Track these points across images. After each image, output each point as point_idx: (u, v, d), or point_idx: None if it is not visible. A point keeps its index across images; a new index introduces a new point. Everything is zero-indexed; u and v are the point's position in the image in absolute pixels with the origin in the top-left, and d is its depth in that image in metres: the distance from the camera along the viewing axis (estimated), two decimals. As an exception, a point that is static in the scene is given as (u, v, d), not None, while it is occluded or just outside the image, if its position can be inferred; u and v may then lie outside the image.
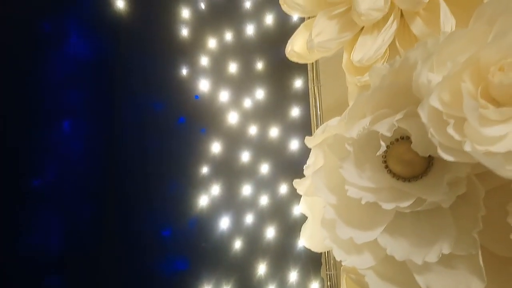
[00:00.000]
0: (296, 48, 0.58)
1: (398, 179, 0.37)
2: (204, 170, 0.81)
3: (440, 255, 0.32)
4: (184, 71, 0.87)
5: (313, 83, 0.72)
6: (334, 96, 0.71)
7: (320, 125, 0.75)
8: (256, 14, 0.84)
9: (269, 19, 0.84)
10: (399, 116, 0.35)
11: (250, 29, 0.86)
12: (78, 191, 0.83)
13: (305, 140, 0.45)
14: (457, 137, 0.29)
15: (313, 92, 0.71)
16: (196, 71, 0.87)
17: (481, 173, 0.32)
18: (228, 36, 0.87)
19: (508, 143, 0.28)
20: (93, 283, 0.76)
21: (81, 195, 0.83)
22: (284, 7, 0.58)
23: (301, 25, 0.59)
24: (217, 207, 0.76)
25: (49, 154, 0.85)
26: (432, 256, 0.32)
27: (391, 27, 0.48)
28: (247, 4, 0.86)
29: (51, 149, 0.86)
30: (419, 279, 0.33)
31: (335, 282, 0.52)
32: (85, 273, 0.78)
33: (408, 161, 0.36)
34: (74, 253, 0.79)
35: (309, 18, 0.59)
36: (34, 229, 0.81)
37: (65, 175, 0.84)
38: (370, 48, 0.48)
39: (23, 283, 0.77)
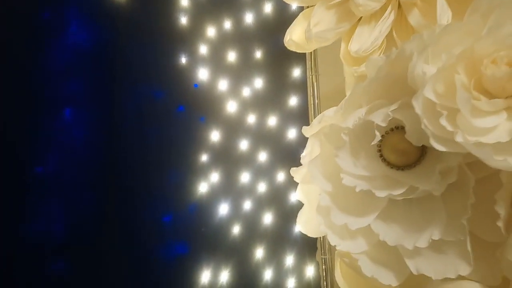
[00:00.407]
0: (295, 37, 0.58)
1: (392, 167, 0.38)
2: (204, 157, 0.82)
3: (430, 241, 0.33)
4: (183, 60, 0.87)
5: (311, 72, 0.73)
6: (332, 85, 0.72)
7: (318, 114, 0.76)
8: (255, 2, 0.83)
9: (268, 7, 0.84)
10: (394, 106, 0.36)
11: (249, 18, 0.85)
12: (80, 178, 0.83)
13: (302, 130, 0.45)
14: (449, 127, 0.30)
15: (311, 81, 0.71)
16: (195, 60, 0.87)
17: (471, 162, 0.33)
18: (227, 24, 0.87)
19: (498, 134, 0.29)
20: (96, 268, 0.77)
21: (83, 182, 0.84)
22: (283, -4, 0.58)
23: (300, 15, 0.59)
24: (216, 194, 0.77)
25: (50, 142, 0.86)
26: (422, 242, 0.33)
27: (389, 17, 0.48)
28: (247, -7, 0.86)
29: (52, 138, 0.86)
30: (409, 263, 0.34)
31: (330, 265, 0.53)
32: (88, 258, 0.79)
33: (402, 150, 0.37)
34: (77, 239, 0.80)
35: (307, 7, 0.58)
36: (38, 215, 0.82)
37: (67, 162, 0.85)
38: (367, 38, 0.48)
39: (28, 268, 0.79)
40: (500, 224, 0.30)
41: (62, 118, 0.88)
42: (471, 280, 0.33)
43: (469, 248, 0.32)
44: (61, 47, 0.91)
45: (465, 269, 0.32)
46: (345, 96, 0.54)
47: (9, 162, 0.83)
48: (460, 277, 0.32)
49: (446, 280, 0.33)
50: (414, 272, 0.34)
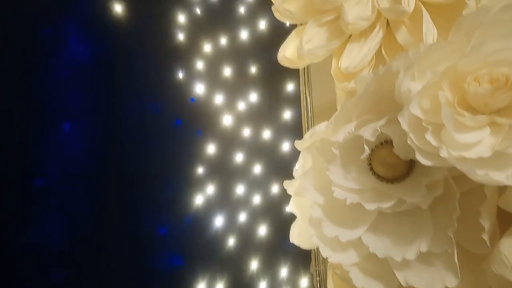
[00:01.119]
0: (288, 54, 0.58)
1: (381, 180, 0.38)
2: (200, 170, 0.82)
3: (418, 253, 0.33)
4: (180, 75, 0.88)
5: (305, 87, 0.73)
6: (324, 99, 0.72)
7: (311, 127, 0.77)
8: (250, 20, 0.85)
9: (262, 25, 0.85)
10: (382, 122, 0.36)
11: (244, 35, 0.87)
12: (79, 190, 0.83)
13: (294, 143, 0.46)
14: (434, 142, 0.30)
15: (304, 95, 0.72)
16: (192, 75, 0.88)
17: (456, 176, 0.33)
18: (223, 41, 0.88)
19: (480, 149, 0.29)
20: (94, 277, 0.77)
21: (82, 194, 0.83)
22: (276, 14, 0.59)
23: (293, 32, 0.60)
24: (212, 206, 0.77)
25: (50, 154, 0.86)
26: (411, 254, 0.33)
27: (377, 35, 0.49)
28: (241, 10, 0.87)
29: (52, 150, 0.86)
30: (398, 274, 0.34)
31: (324, 277, 0.53)
32: (86, 267, 0.78)
33: (391, 164, 0.37)
34: (75, 250, 0.80)
35: (300, 24, 0.59)
36: (38, 226, 0.81)
37: (66, 174, 0.85)
38: (357, 55, 0.49)
39: (28, 277, 0.78)
40: (485, 236, 0.31)
41: (62, 130, 0.88)
42: (458, 291, 0.33)
43: (456, 260, 0.32)
44: (61, 61, 0.92)
45: (452, 281, 0.32)
46: (337, 110, 0.55)
47: (9, 174, 0.83)
48: (447, 289, 0.33)
49: (434, 291, 0.33)
50: (403, 284, 0.34)
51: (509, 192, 0.31)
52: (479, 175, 0.28)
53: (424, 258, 0.34)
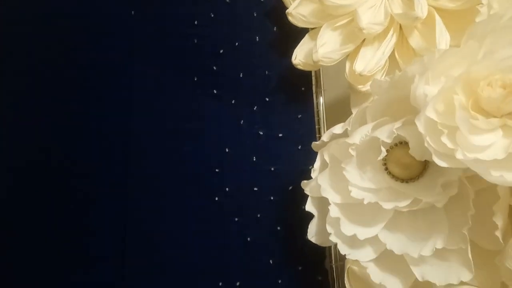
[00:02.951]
0: (301, 57, 0.60)
1: (396, 180, 0.40)
2: (216, 170, 0.84)
3: (434, 249, 0.35)
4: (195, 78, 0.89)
5: (316, 89, 0.75)
6: (335, 99, 0.74)
7: (324, 128, 0.78)
8: (263, 22, 0.86)
9: (275, 27, 0.87)
10: (398, 124, 0.38)
11: (257, 37, 0.88)
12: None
13: (311, 145, 0.48)
14: (450, 145, 0.32)
15: (316, 97, 0.74)
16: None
17: (470, 176, 0.35)
18: (236, 43, 0.90)
19: (494, 152, 0.31)
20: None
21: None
22: (290, 18, 0.60)
23: (306, 35, 0.61)
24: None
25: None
26: (427, 250, 0.35)
27: (391, 40, 0.50)
28: (254, 13, 0.89)
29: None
30: (415, 270, 0.36)
31: (338, 273, 0.55)
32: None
33: (406, 164, 0.39)
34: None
35: (313, 28, 0.61)
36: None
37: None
38: (371, 59, 0.50)
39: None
40: (498, 233, 0.32)
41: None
42: (472, 285, 0.34)
43: (470, 256, 0.34)
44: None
45: (466, 276, 0.34)
46: (348, 109, 0.57)
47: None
48: (462, 283, 0.34)
49: (449, 286, 0.35)
50: (420, 279, 0.36)
51: (521, 191, 0.32)
52: (494, 176, 0.30)
53: (439, 254, 0.35)
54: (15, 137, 0.72)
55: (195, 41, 0.87)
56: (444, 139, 0.32)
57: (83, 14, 0.73)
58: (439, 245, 0.35)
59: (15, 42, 0.80)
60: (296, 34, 0.63)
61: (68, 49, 0.74)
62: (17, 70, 0.77)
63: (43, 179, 0.68)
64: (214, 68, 0.85)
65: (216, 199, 0.63)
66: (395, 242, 0.37)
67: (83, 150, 0.67)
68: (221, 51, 0.86)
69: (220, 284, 0.66)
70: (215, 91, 0.78)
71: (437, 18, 0.45)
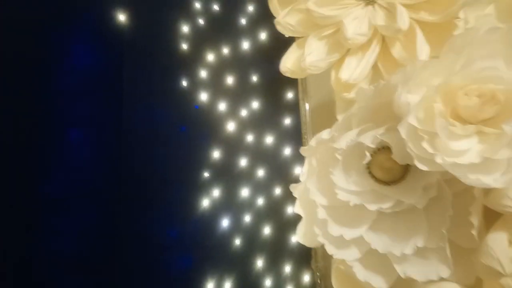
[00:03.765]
0: (289, 65, 0.61)
1: (380, 183, 0.42)
2: (205, 174, 0.85)
3: (415, 248, 0.36)
4: (185, 83, 0.90)
5: (303, 95, 0.77)
6: (321, 106, 0.76)
7: (310, 132, 0.80)
8: (252, 31, 0.88)
9: (263, 35, 0.89)
10: (381, 130, 0.40)
11: (246, 45, 0.90)
12: (88, 196, 0.85)
13: (300, 150, 0.49)
14: (430, 150, 0.34)
15: (303, 103, 0.75)
16: (195, 83, 0.90)
17: (449, 179, 0.36)
18: (225, 50, 0.91)
19: (470, 156, 0.32)
20: (106, 281, 0.78)
21: (91, 199, 0.85)
22: (278, 27, 0.61)
23: (294, 44, 0.62)
24: (218, 208, 0.79)
25: (58, 160, 0.87)
26: (408, 249, 0.37)
27: (374, 50, 0.52)
28: (243, 21, 0.90)
29: (60, 156, 0.88)
30: (398, 268, 0.38)
31: (323, 272, 0.56)
32: (97, 272, 0.79)
33: (389, 168, 0.41)
34: (86, 255, 0.81)
35: (301, 37, 0.62)
36: (47, 233, 0.82)
37: (75, 180, 0.86)
38: (355, 68, 0.52)
39: (39, 283, 0.79)
40: (474, 232, 0.34)
41: (69, 137, 0.89)
42: (450, 281, 0.36)
43: (448, 254, 0.36)
44: (65, 70, 0.93)
45: (445, 272, 0.36)
46: (333, 115, 0.58)
47: (17, 182, 0.84)
48: (441, 279, 0.36)
49: (429, 282, 0.37)
50: (402, 276, 0.37)
51: (494, 193, 0.34)
52: (471, 179, 0.32)
53: (420, 253, 0.37)
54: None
55: (184, 47, 0.89)
56: (425, 144, 0.34)
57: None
58: (420, 244, 0.36)
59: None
60: (283, 42, 0.64)
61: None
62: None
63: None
64: (202, 73, 0.87)
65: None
66: (379, 242, 0.39)
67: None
68: (210, 57, 0.87)
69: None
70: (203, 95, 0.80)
71: (418, 30, 0.47)
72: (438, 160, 0.33)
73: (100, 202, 0.85)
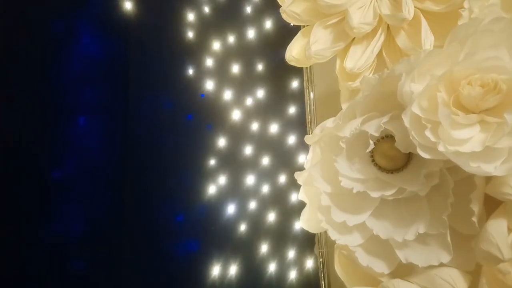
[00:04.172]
0: (295, 53, 0.61)
1: (382, 171, 0.42)
2: (212, 162, 0.85)
3: (417, 234, 0.37)
4: (191, 72, 0.91)
5: (308, 83, 0.77)
6: (326, 94, 0.76)
7: (314, 121, 0.80)
8: (257, 19, 0.87)
9: (268, 24, 0.88)
10: (385, 118, 0.40)
11: (251, 33, 0.89)
12: (97, 182, 0.86)
13: (304, 138, 0.49)
14: (433, 138, 0.34)
15: (308, 92, 0.76)
16: (202, 72, 0.90)
17: (450, 167, 0.37)
18: (231, 39, 0.91)
19: (472, 144, 0.33)
20: (115, 265, 0.80)
21: (100, 186, 0.86)
22: (284, 16, 0.61)
23: (299, 32, 0.62)
24: (224, 195, 0.80)
25: (67, 148, 0.89)
26: (410, 235, 0.37)
27: (379, 39, 0.52)
28: (249, 10, 0.90)
29: (69, 144, 0.89)
30: (399, 253, 0.38)
31: (327, 258, 0.57)
32: (107, 256, 0.82)
33: (392, 156, 0.41)
34: (96, 238, 0.83)
35: (306, 25, 0.62)
36: (57, 217, 0.84)
37: (84, 167, 0.87)
38: (360, 57, 0.52)
39: (50, 266, 0.81)
40: (474, 219, 0.35)
41: (77, 125, 0.90)
42: (450, 266, 0.37)
43: (449, 240, 0.36)
44: (75, 58, 0.94)
45: (446, 258, 0.36)
46: (338, 104, 0.59)
47: (28, 167, 0.85)
48: (441, 264, 0.37)
49: (430, 267, 0.37)
50: (403, 261, 0.38)
51: (495, 181, 0.35)
52: (472, 167, 0.32)
53: (421, 239, 0.38)
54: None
55: (190, 36, 0.88)
56: (428, 133, 0.34)
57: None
58: (422, 230, 0.37)
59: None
60: (289, 31, 0.64)
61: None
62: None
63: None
64: (208, 63, 0.87)
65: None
66: (381, 228, 0.39)
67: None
68: (216, 46, 0.88)
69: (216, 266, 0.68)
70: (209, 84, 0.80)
71: (423, 20, 0.47)
72: (441, 148, 0.33)
73: (109, 188, 0.86)
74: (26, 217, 0.83)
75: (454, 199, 0.36)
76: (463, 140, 0.33)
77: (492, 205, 0.36)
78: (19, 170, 0.86)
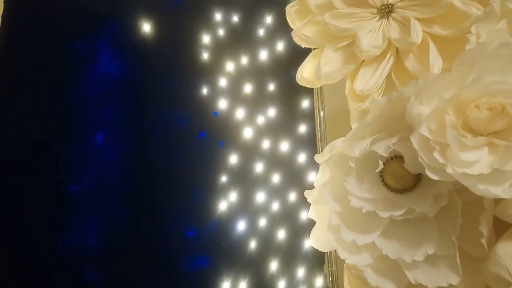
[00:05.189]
0: (305, 75, 0.62)
1: (392, 191, 0.42)
2: (223, 178, 0.86)
3: (426, 255, 0.37)
4: (205, 91, 0.92)
5: (318, 103, 0.78)
6: (336, 115, 0.76)
7: (324, 140, 0.81)
8: (269, 41, 0.89)
9: (280, 46, 0.90)
10: (394, 139, 0.40)
11: (263, 55, 0.91)
12: (112, 197, 0.87)
13: (314, 157, 0.50)
14: (441, 160, 0.34)
15: (318, 111, 0.76)
16: (215, 91, 0.92)
17: (459, 188, 0.37)
18: (244, 60, 0.93)
19: (480, 167, 0.33)
20: (128, 278, 0.80)
21: (114, 200, 0.87)
22: (295, 39, 0.62)
23: (310, 54, 0.63)
24: (235, 212, 0.80)
25: (84, 163, 0.91)
26: (419, 256, 0.37)
27: (388, 62, 0.53)
28: (261, 32, 0.92)
29: (86, 159, 0.91)
30: (408, 274, 0.38)
31: (336, 277, 0.56)
32: (120, 269, 0.82)
33: (401, 177, 0.41)
34: (110, 252, 0.83)
35: (316, 48, 0.63)
36: (73, 230, 0.85)
37: (99, 182, 0.89)
38: (370, 79, 0.53)
39: (66, 278, 0.82)
40: (483, 241, 0.34)
41: (94, 141, 0.92)
42: (460, 288, 0.36)
43: (458, 261, 0.36)
44: (92, 77, 0.97)
45: (455, 279, 0.36)
46: (348, 124, 0.59)
47: (46, 181, 0.87)
48: (451, 286, 0.36)
49: (439, 288, 0.37)
50: (412, 282, 0.38)
51: (504, 203, 0.34)
52: (480, 189, 0.32)
53: (430, 260, 0.37)
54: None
55: (205, 57, 0.90)
56: (436, 154, 0.34)
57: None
58: (430, 251, 0.37)
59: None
60: (300, 53, 0.65)
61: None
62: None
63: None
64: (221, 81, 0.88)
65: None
66: (390, 248, 0.39)
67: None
68: (229, 67, 0.89)
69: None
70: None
71: (431, 44, 0.48)
72: (449, 170, 0.33)
73: (123, 203, 0.87)
74: (41, 230, 0.85)
75: (462, 220, 0.36)
76: (472, 162, 0.33)
77: (501, 228, 0.35)
78: (37, 182, 0.88)
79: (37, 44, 1.00)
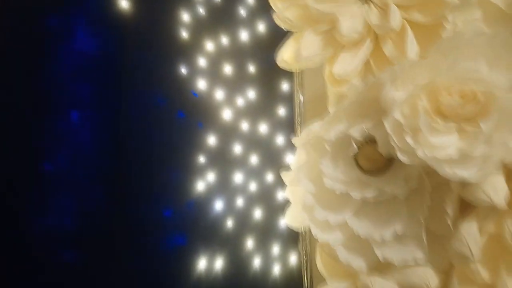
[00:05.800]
0: (286, 57, 0.62)
1: (365, 173, 0.43)
2: (201, 159, 0.86)
3: (395, 234, 0.38)
4: (184, 70, 0.91)
5: (297, 86, 0.78)
6: (315, 98, 0.77)
7: (303, 122, 0.81)
8: (250, 22, 0.88)
9: (261, 27, 0.89)
10: (369, 124, 0.41)
11: (244, 35, 0.90)
12: (88, 176, 0.86)
13: (292, 140, 0.50)
14: (412, 144, 0.35)
15: (297, 95, 0.76)
16: (194, 71, 0.91)
17: (429, 172, 0.38)
18: (224, 40, 0.92)
19: (449, 151, 0.34)
20: (104, 258, 0.80)
21: (90, 180, 0.86)
22: (277, 21, 0.62)
23: (291, 37, 0.63)
24: (212, 192, 0.81)
25: (59, 142, 0.88)
26: (388, 235, 0.38)
27: (368, 47, 0.53)
28: (242, 12, 0.91)
29: (60, 138, 0.88)
30: (377, 252, 0.39)
31: (309, 255, 0.58)
32: (97, 249, 0.81)
33: (374, 160, 0.42)
34: (86, 231, 0.83)
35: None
36: (48, 210, 0.84)
37: (75, 161, 0.87)
38: (349, 64, 0.53)
39: (42, 258, 0.80)
40: (449, 221, 0.36)
41: (69, 120, 0.90)
42: (425, 266, 0.38)
43: (424, 240, 0.38)
44: (68, 54, 0.93)
45: (421, 257, 0.38)
46: (326, 107, 0.60)
47: (20, 160, 0.85)
48: (417, 263, 0.38)
49: (406, 266, 0.39)
50: (381, 260, 0.39)
51: (470, 186, 0.36)
52: (449, 172, 0.33)
53: (399, 239, 0.39)
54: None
55: (184, 36, 0.88)
56: (408, 138, 0.35)
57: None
58: (399, 231, 0.38)
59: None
60: (281, 34, 0.65)
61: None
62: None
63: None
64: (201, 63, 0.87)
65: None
66: (361, 227, 0.41)
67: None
68: (209, 46, 0.88)
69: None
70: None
71: (409, 30, 0.48)
72: (420, 153, 0.34)
73: (99, 182, 0.86)
74: (16, 209, 0.83)
75: (431, 202, 0.37)
76: (441, 147, 0.35)
77: (466, 208, 0.37)
78: (11, 161, 0.86)
79: (10, 20, 0.96)
